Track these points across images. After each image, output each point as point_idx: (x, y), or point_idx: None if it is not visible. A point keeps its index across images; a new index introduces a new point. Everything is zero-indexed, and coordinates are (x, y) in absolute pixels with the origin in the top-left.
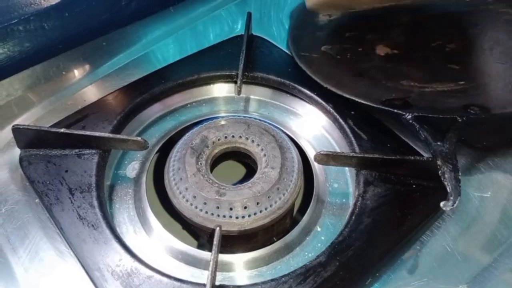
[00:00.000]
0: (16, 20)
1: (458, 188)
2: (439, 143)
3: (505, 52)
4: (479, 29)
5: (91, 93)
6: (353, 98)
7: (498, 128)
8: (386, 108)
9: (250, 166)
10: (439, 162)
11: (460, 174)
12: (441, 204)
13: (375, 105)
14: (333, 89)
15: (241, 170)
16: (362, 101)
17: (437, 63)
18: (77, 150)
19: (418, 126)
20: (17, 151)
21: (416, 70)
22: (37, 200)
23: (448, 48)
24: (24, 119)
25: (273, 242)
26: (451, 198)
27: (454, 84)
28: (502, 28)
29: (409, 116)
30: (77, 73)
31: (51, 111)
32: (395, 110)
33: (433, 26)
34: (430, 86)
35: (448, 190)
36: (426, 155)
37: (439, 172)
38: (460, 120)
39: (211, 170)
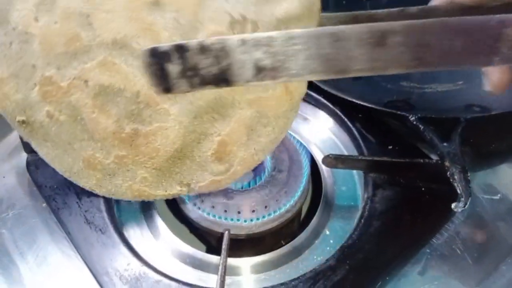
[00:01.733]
0: None
1: (468, 188)
2: (445, 144)
3: None
4: None
5: None
6: (354, 100)
7: (506, 129)
8: (389, 110)
9: (257, 170)
10: (447, 163)
11: (469, 174)
12: (452, 205)
13: (378, 107)
14: (333, 91)
15: (248, 174)
16: (364, 103)
17: None
18: None
19: (422, 127)
20: (24, 156)
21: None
22: (44, 204)
23: None
24: None
25: (281, 245)
26: (462, 199)
27: (453, 84)
28: None
29: (413, 118)
30: None
31: None
32: (398, 112)
33: None
34: (429, 86)
35: (458, 192)
36: (434, 157)
37: (448, 173)
38: (463, 120)
39: None
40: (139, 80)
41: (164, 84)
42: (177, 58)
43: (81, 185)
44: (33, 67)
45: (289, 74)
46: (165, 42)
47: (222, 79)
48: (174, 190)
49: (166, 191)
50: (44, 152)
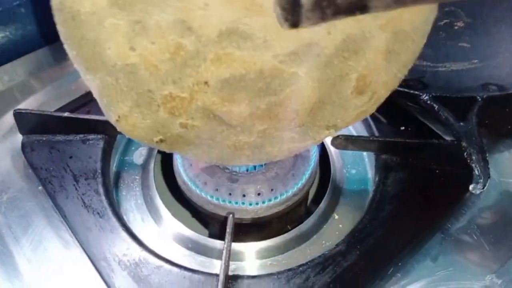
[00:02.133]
0: (18, 2)
1: (487, 169)
2: (461, 123)
3: None
4: (485, 5)
5: None
6: None
7: None
8: (401, 89)
9: None
10: (464, 144)
11: (487, 155)
12: (470, 187)
13: None
14: None
15: None
16: None
17: (447, 42)
18: (81, 136)
19: (437, 106)
20: (19, 138)
21: (426, 49)
22: (40, 187)
23: (456, 26)
24: (27, 105)
25: (288, 230)
26: (480, 180)
27: (467, 63)
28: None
29: (427, 97)
30: None
31: (55, 96)
32: (411, 91)
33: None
34: (443, 65)
35: (477, 173)
36: (448, 138)
37: (465, 154)
38: (480, 99)
39: None
40: (258, 58)
41: (294, 17)
42: None
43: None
44: (149, 92)
45: None
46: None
47: (360, 6)
48: (322, 135)
49: (315, 139)
50: (190, 154)
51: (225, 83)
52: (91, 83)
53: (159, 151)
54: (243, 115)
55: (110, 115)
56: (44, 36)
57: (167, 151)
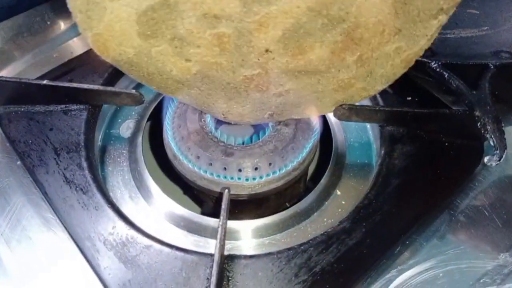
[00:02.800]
0: None
1: (504, 140)
2: (474, 92)
3: None
4: None
5: (79, 45)
6: None
7: None
8: None
9: (259, 125)
10: (477, 113)
11: (503, 124)
12: (486, 159)
13: None
14: None
15: (249, 129)
16: None
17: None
18: (63, 106)
19: (447, 74)
20: None
21: None
22: (18, 162)
23: None
24: (5, 73)
25: (287, 207)
26: (497, 152)
27: (477, 30)
28: None
29: (436, 64)
30: (63, 23)
31: (35, 64)
32: (419, 58)
33: None
34: (452, 32)
35: (492, 144)
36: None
37: (479, 124)
38: (492, 66)
39: (216, 129)
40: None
41: None
42: None
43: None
44: (228, 84)
45: None
46: None
47: None
48: (432, 28)
49: (427, 36)
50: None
51: (283, 40)
52: (185, 96)
53: (147, 123)
54: (324, 57)
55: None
56: (24, 0)
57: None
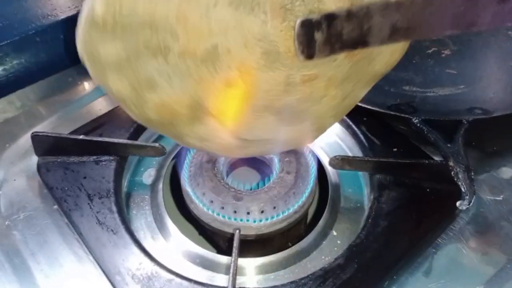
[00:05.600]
0: (33, 31)
1: (472, 187)
2: (449, 145)
3: (499, 55)
4: (471, 35)
5: (106, 103)
6: (359, 103)
7: (507, 131)
8: (393, 113)
9: (264, 172)
10: (451, 163)
11: (473, 174)
12: (457, 203)
13: (382, 110)
14: None
15: (255, 176)
16: (369, 107)
17: (435, 69)
18: (95, 157)
19: (426, 129)
20: (34, 159)
21: (416, 75)
22: (55, 206)
23: (443, 54)
24: (40, 129)
25: (289, 246)
26: (467, 197)
27: (454, 88)
28: (493, 33)
29: (417, 120)
30: (91, 83)
31: (67, 120)
32: (402, 115)
33: None
34: (431, 90)
35: (463, 190)
36: (437, 158)
37: (452, 173)
38: (465, 122)
39: (227, 176)
40: None
41: (309, 50)
42: (325, 26)
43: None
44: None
45: (420, 32)
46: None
47: (361, 41)
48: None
49: None
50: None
51: None
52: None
53: (167, 171)
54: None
55: None
56: (56, 63)
57: None
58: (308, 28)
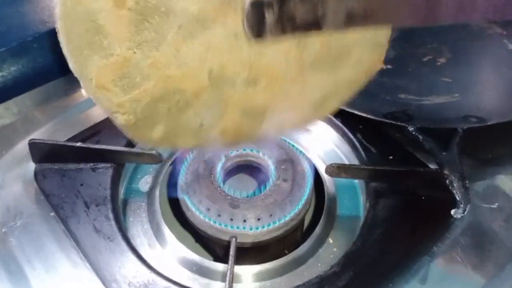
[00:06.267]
0: (31, 38)
1: (467, 195)
2: (444, 153)
3: (494, 63)
4: (466, 43)
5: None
6: (355, 111)
7: (502, 139)
8: (389, 121)
9: (261, 180)
10: (446, 172)
11: (467, 182)
12: (452, 211)
13: (378, 118)
14: None
15: (252, 184)
16: (365, 115)
17: (430, 77)
18: (91, 164)
19: (422, 137)
20: (31, 166)
21: (411, 83)
22: (52, 213)
23: (439, 62)
24: (37, 135)
25: (286, 254)
26: (461, 205)
27: (449, 96)
28: (488, 41)
29: (412, 128)
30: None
31: (64, 127)
32: (398, 123)
33: (420, 42)
34: (427, 99)
35: (458, 198)
36: (432, 166)
37: (447, 181)
38: (460, 131)
39: (223, 183)
40: None
41: (259, 29)
42: (277, 6)
43: None
44: None
45: (377, 20)
46: None
47: (314, 24)
48: None
49: None
50: None
51: None
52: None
53: (163, 178)
54: None
55: None
56: (54, 69)
57: None
58: (258, 8)
